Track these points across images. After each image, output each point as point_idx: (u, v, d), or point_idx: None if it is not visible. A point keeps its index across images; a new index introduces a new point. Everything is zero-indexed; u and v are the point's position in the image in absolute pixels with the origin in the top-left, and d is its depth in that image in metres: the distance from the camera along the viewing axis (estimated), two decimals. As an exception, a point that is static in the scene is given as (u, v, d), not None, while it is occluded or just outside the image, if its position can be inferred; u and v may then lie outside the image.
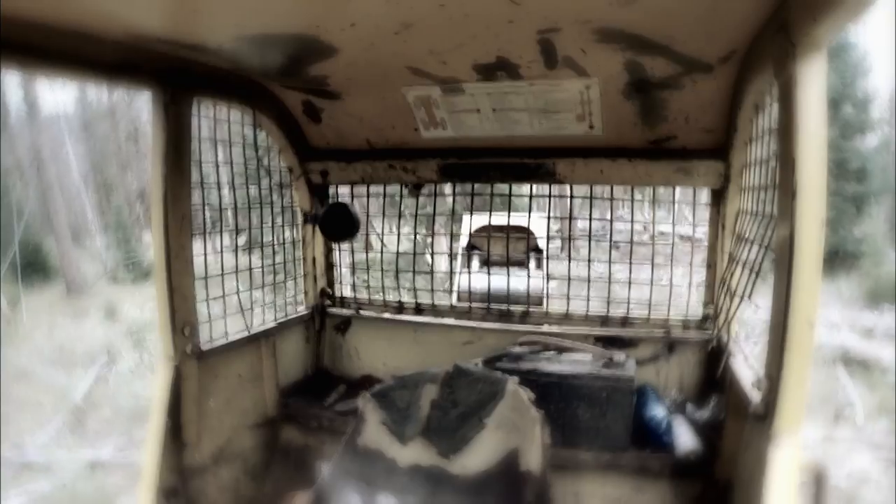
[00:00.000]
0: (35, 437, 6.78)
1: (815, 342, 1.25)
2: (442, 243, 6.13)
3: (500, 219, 2.81)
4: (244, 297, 2.28)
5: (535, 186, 2.40)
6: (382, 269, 2.73)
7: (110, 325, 11.41)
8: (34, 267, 15.01)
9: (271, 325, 2.38)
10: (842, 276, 12.48)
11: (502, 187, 2.48)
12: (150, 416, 1.85)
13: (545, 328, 2.41)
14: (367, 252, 3.59)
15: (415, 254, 2.83)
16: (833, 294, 11.38)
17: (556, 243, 12.62)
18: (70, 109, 22.18)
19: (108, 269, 16.12)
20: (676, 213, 2.42)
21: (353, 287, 2.90)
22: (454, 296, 2.80)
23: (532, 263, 5.54)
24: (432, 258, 2.88)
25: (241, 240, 2.43)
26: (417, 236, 2.95)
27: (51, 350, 9.81)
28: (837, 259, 13.06)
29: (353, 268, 3.05)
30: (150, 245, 1.96)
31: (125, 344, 9.81)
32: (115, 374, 8.66)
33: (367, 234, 2.97)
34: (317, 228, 2.55)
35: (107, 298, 13.20)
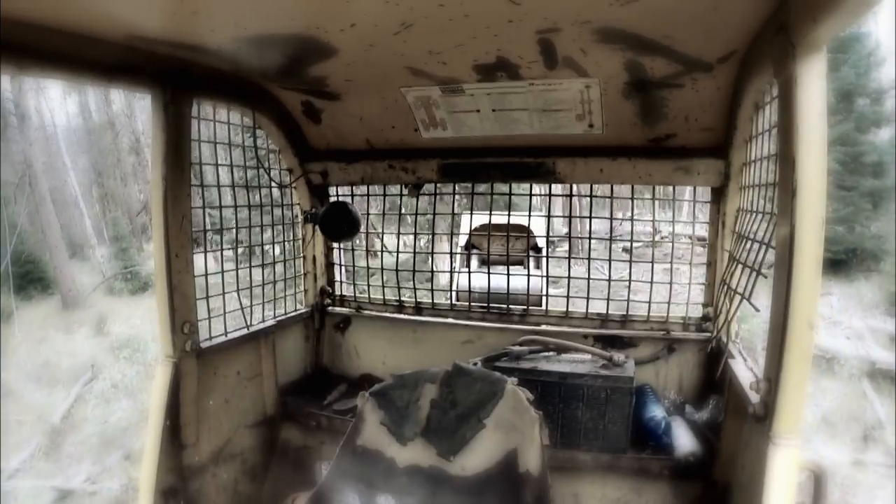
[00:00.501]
0: (9, 462, 6.54)
1: (814, 344, 1.25)
2: (444, 245, 6.13)
3: (500, 218, 2.80)
4: (244, 295, 2.29)
5: (541, 186, 2.39)
6: (382, 269, 2.73)
7: (99, 340, 11.19)
8: (31, 279, 14.87)
9: (271, 323, 2.38)
10: (860, 278, 11.54)
11: (505, 187, 2.48)
12: (149, 416, 1.85)
13: (545, 328, 2.40)
14: (367, 257, 3.60)
15: (415, 253, 2.83)
16: (853, 298, 10.51)
17: (565, 245, 12.58)
18: (70, 121, 22.22)
19: (105, 280, 16.00)
20: (687, 212, 2.40)
21: (354, 286, 2.90)
22: (453, 295, 2.79)
23: (531, 263, 5.55)
24: (432, 258, 2.87)
25: (242, 239, 2.43)
26: (419, 237, 2.94)
27: (37, 366, 9.60)
28: (855, 259, 12.25)
29: (353, 274, 3.05)
30: (152, 254, 1.96)
31: (108, 360, 9.61)
32: (95, 393, 8.44)
33: (368, 235, 2.97)
34: (317, 228, 2.55)
35: (99, 312, 13.01)
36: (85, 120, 22.27)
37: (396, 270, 2.70)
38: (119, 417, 7.54)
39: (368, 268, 2.90)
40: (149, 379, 8.24)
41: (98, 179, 22.75)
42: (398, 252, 2.72)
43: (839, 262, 11.96)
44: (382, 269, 2.73)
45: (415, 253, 2.84)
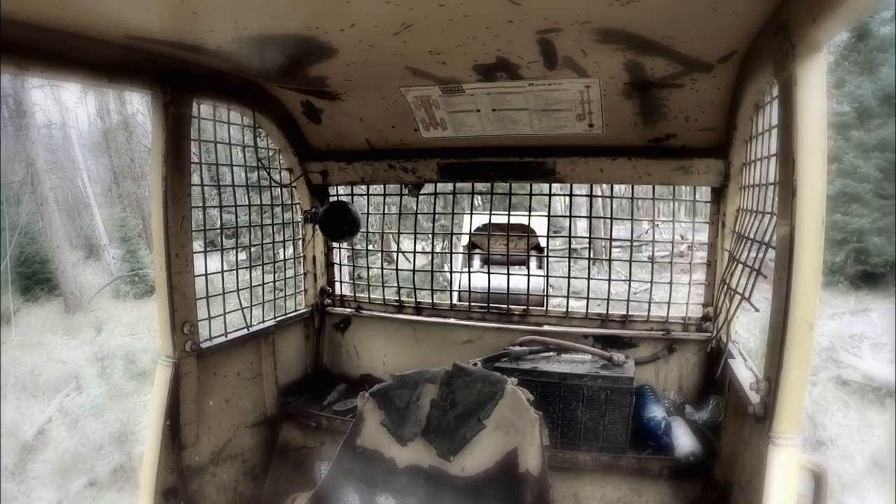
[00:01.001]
0: (-27, 483, 6.07)
1: (813, 344, 1.25)
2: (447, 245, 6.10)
3: (503, 218, 2.81)
4: (244, 296, 2.29)
5: (559, 187, 2.39)
6: (382, 269, 2.73)
7: (91, 347, 10.55)
8: (37, 280, 14.59)
9: (270, 323, 2.38)
10: (901, 294, 10.43)
11: (505, 187, 2.48)
12: (149, 416, 1.85)
13: (545, 328, 2.40)
14: (366, 258, 3.59)
15: (414, 253, 2.83)
16: (894, 315, 9.44)
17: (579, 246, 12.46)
18: (90, 121, 22.09)
19: (111, 282, 15.76)
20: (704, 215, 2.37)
21: (354, 287, 2.90)
22: (455, 295, 2.79)
23: (533, 263, 5.54)
24: (432, 259, 2.87)
25: (242, 239, 2.43)
26: (419, 237, 2.93)
27: (23, 374, 9.12)
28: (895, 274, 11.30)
29: (353, 275, 3.05)
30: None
31: (90, 372, 9.08)
32: (72, 409, 7.90)
33: (368, 235, 2.96)
34: (317, 227, 2.56)
35: (98, 317, 12.58)
36: (102, 120, 22.12)
37: (396, 270, 2.70)
38: (86, 438, 7.06)
39: (368, 268, 2.90)
40: (120, 398, 7.86)
41: (115, 179, 22.62)
42: (398, 252, 2.71)
43: (878, 276, 11.07)
44: (382, 270, 2.73)
45: (414, 253, 2.83)
